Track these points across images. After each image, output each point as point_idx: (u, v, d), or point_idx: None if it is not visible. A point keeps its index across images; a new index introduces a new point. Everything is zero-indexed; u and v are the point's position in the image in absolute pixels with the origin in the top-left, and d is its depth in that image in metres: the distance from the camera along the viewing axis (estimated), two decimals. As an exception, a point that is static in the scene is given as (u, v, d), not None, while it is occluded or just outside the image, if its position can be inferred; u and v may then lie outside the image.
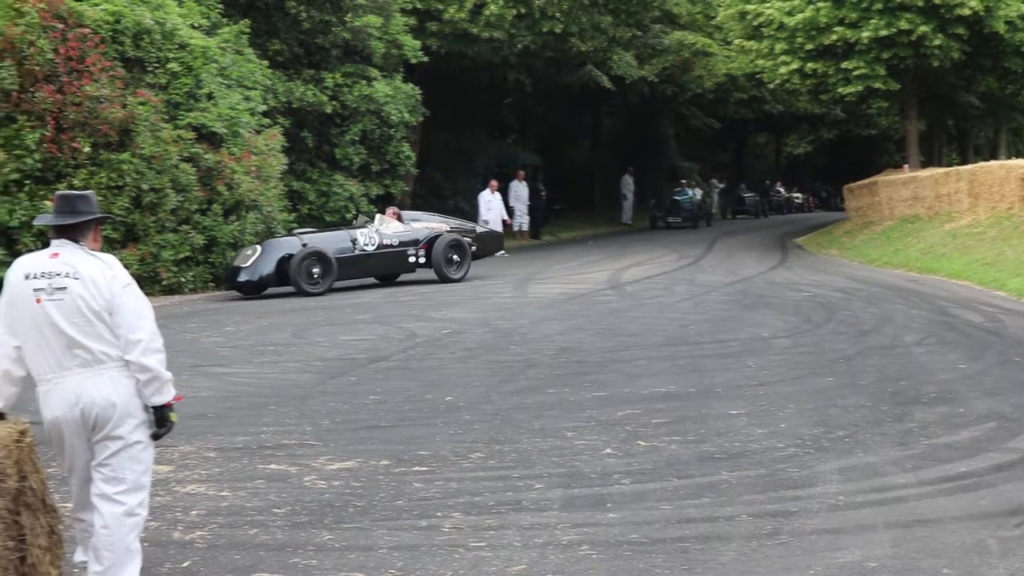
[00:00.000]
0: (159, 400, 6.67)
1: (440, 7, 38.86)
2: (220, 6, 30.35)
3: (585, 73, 46.89)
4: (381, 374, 15.09)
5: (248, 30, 30.01)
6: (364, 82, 34.26)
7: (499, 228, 36.35)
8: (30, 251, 7.23)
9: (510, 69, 44.30)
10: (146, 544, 6.72)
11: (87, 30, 24.23)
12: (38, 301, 6.53)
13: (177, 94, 25.90)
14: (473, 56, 41.08)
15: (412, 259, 26.34)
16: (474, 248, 27.84)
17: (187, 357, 16.41)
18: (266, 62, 30.99)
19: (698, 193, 54.72)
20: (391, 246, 25.86)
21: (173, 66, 25.88)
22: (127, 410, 6.58)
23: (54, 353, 6.54)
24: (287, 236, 25.98)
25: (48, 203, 20.60)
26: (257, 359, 16.66)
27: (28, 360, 6.60)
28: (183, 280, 25.09)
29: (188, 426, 11.42)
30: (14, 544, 6.45)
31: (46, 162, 23.21)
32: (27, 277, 6.61)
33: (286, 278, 24.54)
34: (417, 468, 10.16)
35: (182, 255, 25.02)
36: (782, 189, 72.29)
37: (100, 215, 6.95)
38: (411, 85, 35.88)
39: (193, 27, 27.39)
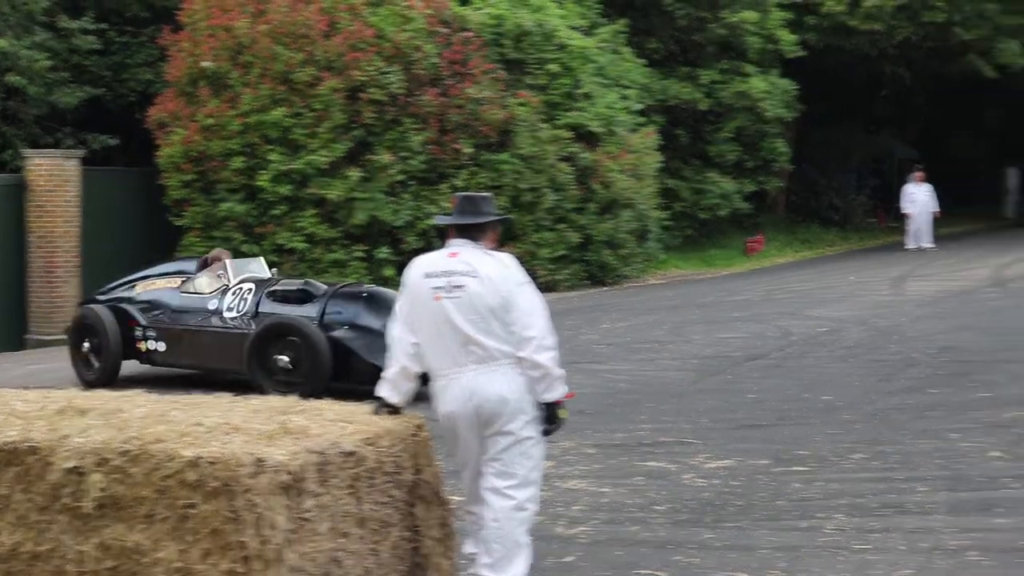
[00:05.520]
0: (550, 397, 6.82)
1: (818, 0, 38.32)
2: (599, 6, 30.71)
3: (966, 63, 45.46)
4: (758, 372, 15.05)
5: (625, 29, 30.27)
6: (739, 78, 34.08)
7: (926, 223, 35.57)
8: (420, 250, 7.50)
9: (888, 61, 43.34)
10: (532, 538, 6.88)
11: (470, 34, 24.91)
12: (437, 299, 6.78)
13: (556, 94, 26.31)
14: (851, 49, 40.36)
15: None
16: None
17: (565, 354, 16.58)
18: (643, 60, 31.17)
19: None
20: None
21: (552, 67, 26.31)
22: (519, 406, 6.76)
23: (450, 350, 6.77)
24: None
25: (447, 205, 21.26)
26: (634, 356, 16.82)
27: (426, 356, 6.86)
28: (559, 278, 25.49)
29: (568, 422, 11.64)
30: (409, 535, 6.73)
31: (429, 163, 23.96)
32: (426, 276, 6.87)
33: None
34: (797, 468, 10.10)
35: (558, 253, 25.42)
36: None
37: (501, 216, 7.19)
38: (787, 80, 35.51)
39: (572, 28, 27.80)
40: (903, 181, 38.48)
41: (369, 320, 14.15)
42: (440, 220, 7.51)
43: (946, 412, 12.26)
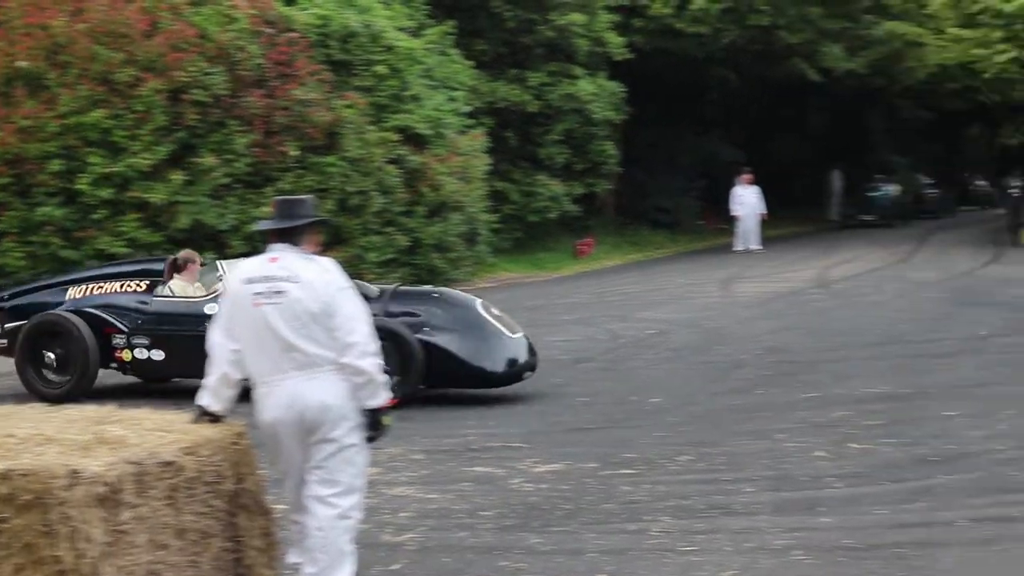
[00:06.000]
0: (374, 403, 6.79)
1: (645, 3, 38.76)
2: (426, 8, 30.69)
3: (791, 66, 46.33)
4: (587, 375, 15.16)
5: (453, 31, 30.29)
6: (568, 80, 34.32)
7: (754, 225, 36.16)
8: (246, 255, 7.42)
9: (715, 64, 44.00)
10: (356, 546, 6.85)
11: (296, 34, 24.70)
12: (257, 305, 6.72)
13: (383, 96, 26.22)
14: (678, 52, 40.89)
15: None
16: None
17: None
18: (471, 62, 31.22)
19: (896, 189, 53.29)
20: None
21: (379, 68, 26.21)
22: (341, 413, 6.72)
23: (272, 356, 6.71)
24: None
25: (264, 208, 21.07)
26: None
27: (247, 363, 6.79)
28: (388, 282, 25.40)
29: (394, 428, 11.60)
30: (231, 545, 6.65)
31: (255, 166, 23.70)
32: (247, 282, 6.80)
33: None
34: (624, 471, 10.18)
35: (386, 257, 25.32)
36: (983, 182, 69.68)
37: (318, 219, 7.14)
38: (615, 83, 35.86)
39: (399, 29, 27.74)
40: (731, 183, 39.10)
41: (449, 321, 13.94)
42: (259, 226, 7.44)
43: (772, 413, 12.47)
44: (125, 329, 14.41)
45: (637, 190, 42.45)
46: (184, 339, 13.87)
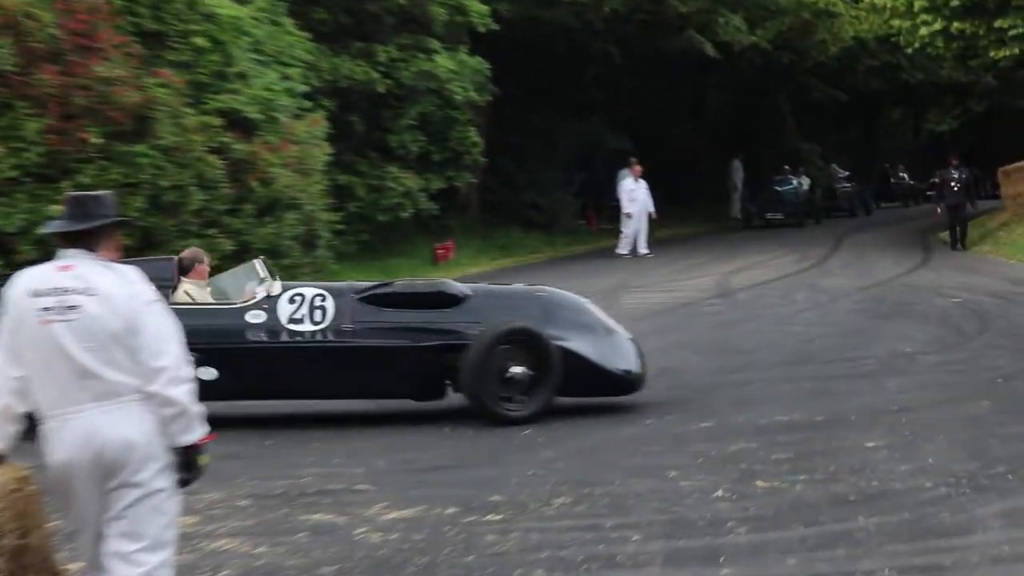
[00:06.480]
0: (187, 439, 6.65)
1: (513, -37, 38.92)
2: (253, -33, 30.56)
3: (685, 40, 46.76)
4: (443, 404, 15.09)
5: (286, -4, 30.21)
6: (423, 56, 34.32)
7: (644, 226, 36.38)
8: (32, 262, 7.24)
9: (595, 37, 44.26)
10: (168, 612, 6.73)
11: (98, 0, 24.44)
12: (45, 323, 6.54)
13: (203, 74, 26.00)
14: (552, 22, 41.07)
15: None
16: None
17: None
18: (308, 34, 31.09)
19: (805, 183, 53.88)
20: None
21: (198, 40, 25.98)
22: (149, 451, 6.58)
23: (63, 384, 6.53)
24: None
25: (56, 206, 20.75)
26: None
27: (34, 392, 6.62)
28: (210, 293, 25.20)
29: (217, 469, 11.45)
30: (14, 612, 6.51)
31: (49, 156, 23.32)
32: (32, 295, 6.61)
33: None
34: (490, 517, 10.15)
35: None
36: (905, 175, 70.65)
37: (120, 218, 7.00)
38: (478, 58, 35.91)
39: (221, -6, 27.57)
40: (615, 176, 39.35)
41: (568, 322, 14.49)
42: (47, 227, 7.29)
43: (664, 446, 12.52)
44: None
45: (506, 184, 42.60)
46: (237, 354, 14.28)
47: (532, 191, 43.18)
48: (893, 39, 47.76)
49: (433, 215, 35.27)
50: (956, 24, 40.95)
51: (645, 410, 14.32)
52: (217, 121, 25.49)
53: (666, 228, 45.04)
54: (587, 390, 14.49)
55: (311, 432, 13.73)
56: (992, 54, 41.76)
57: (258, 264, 15.28)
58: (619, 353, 14.57)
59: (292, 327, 14.48)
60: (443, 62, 34.37)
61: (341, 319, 14.47)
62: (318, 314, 14.53)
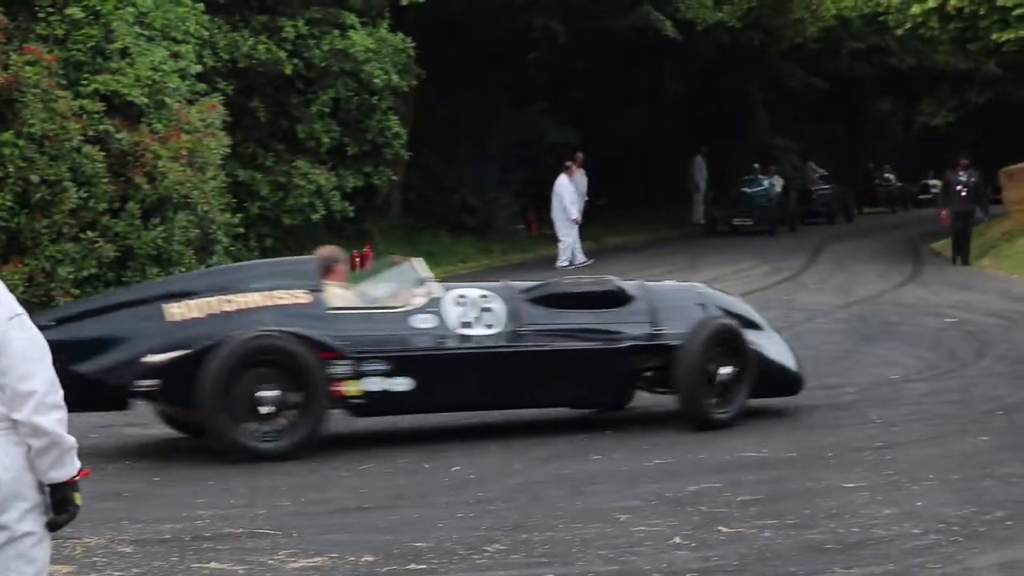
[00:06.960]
0: (59, 475, 6.61)
1: (441, -73, 38.95)
2: (137, -71, 30.48)
3: (640, 17, 46.85)
4: (361, 435, 15.09)
5: (176, -39, 30.14)
6: (337, 32, 34.29)
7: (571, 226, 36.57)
8: None
9: (537, 13, 44.33)
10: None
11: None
12: None
13: (79, 50, 25.91)
14: (486, -5, 41.14)
15: None
16: None
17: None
18: (201, 5, 31.02)
19: (778, 184, 53.87)
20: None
21: (73, 11, 25.89)
22: (14, 489, 6.54)
23: (-89, 413, 6.53)
24: None
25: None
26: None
27: None
28: (88, 307, 25.08)
29: (95, 510, 11.44)
30: None
31: None
32: None
33: None
34: (414, 566, 10.16)
35: (86, 272, 24.98)
36: (892, 176, 70.69)
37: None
38: (401, 36, 35.89)
39: (100, -43, 27.49)
40: (559, 173, 39.43)
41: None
42: None
43: (613, 485, 12.55)
44: (350, 355, 14.46)
45: (433, 183, 42.62)
46: (433, 362, 14.78)
47: (463, 191, 43.22)
48: (881, 18, 48.04)
49: (348, 218, 35.22)
50: (953, 1, 41.03)
51: (591, 444, 14.37)
52: (96, 106, 25.40)
53: (616, 235, 45.15)
54: (768, 390, 15.61)
55: (205, 467, 13.70)
56: (994, 37, 41.83)
57: (416, 263, 15.62)
58: (785, 351, 15.86)
59: (463, 331, 14.87)
60: (360, 40, 34.32)
61: (515, 322, 14.98)
62: (488, 317, 14.96)
